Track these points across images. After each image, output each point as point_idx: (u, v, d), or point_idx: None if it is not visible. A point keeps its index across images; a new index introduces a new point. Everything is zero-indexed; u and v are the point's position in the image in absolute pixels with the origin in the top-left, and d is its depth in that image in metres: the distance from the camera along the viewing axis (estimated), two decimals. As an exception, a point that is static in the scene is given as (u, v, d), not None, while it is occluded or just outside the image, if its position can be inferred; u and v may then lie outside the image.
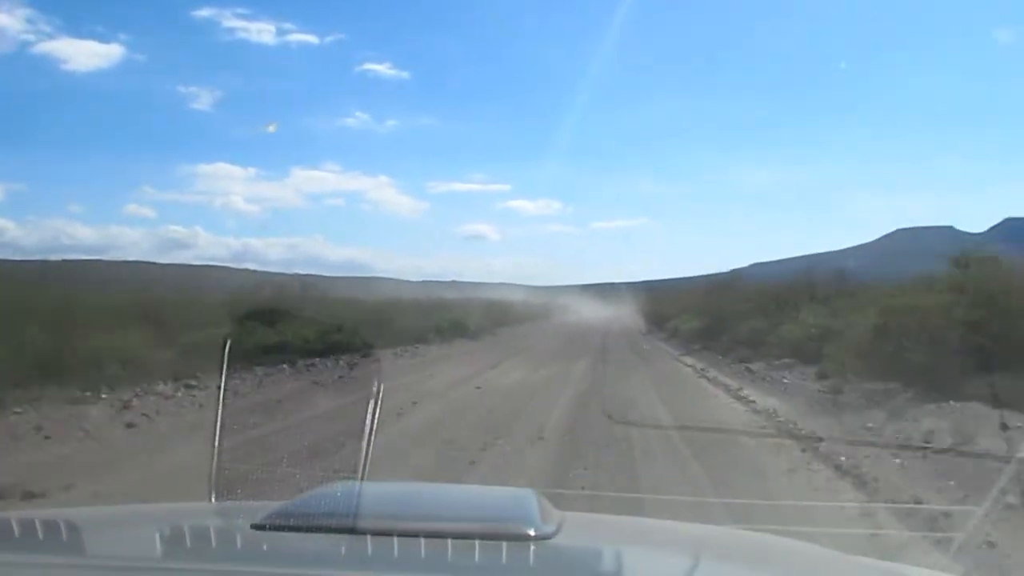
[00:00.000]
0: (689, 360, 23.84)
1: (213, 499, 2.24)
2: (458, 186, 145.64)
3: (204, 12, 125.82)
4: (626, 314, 66.92)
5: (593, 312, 72.92)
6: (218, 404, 2.68)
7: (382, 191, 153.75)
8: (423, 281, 51.92)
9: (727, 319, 26.58)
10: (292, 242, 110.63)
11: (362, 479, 2.08)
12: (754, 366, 18.82)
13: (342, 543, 1.57)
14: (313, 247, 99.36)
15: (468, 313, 39.73)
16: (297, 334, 19.29)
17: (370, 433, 2.27)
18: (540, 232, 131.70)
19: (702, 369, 20.51)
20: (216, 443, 2.35)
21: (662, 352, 28.47)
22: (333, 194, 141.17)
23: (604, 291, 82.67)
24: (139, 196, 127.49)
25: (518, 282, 77.49)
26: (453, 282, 58.16)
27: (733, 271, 31.53)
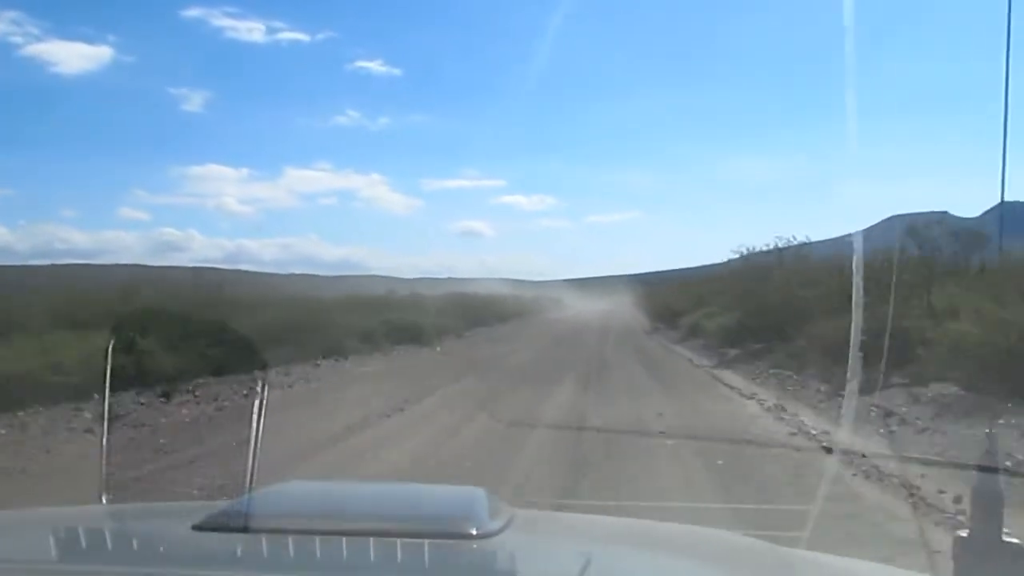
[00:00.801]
0: (736, 381, 15.26)
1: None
2: (451, 183, 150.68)
3: (193, 12, 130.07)
4: (625, 308, 61.16)
5: (589, 306, 66.85)
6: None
7: (375, 189, 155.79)
8: (417, 278, 49.47)
9: (776, 312, 18.23)
10: (286, 242, 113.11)
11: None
12: (897, 401, 9.77)
13: (284, 544, 1.52)
14: (307, 247, 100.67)
15: (436, 312, 33.50)
16: (171, 346, 13.52)
17: None
18: (535, 227, 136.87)
19: (778, 407, 11.13)
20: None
21: (685, 364, 20.01)
22: (326, 193, 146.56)
23: (600, 284, 79.66)
24: (132, 199, 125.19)
25: (514, 277, 75.18)
26: (448, 278, 55.28)
27: (770, 251, 24.23)
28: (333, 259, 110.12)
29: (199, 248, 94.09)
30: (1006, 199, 14.44)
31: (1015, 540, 1.28)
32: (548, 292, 79.08)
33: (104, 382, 2.67)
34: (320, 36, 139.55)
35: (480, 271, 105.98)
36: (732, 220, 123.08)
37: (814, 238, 21.04)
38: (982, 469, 1.43)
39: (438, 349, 24.10)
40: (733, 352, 19.72)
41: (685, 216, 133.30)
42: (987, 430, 4.39)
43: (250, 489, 1.88)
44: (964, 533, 1.33)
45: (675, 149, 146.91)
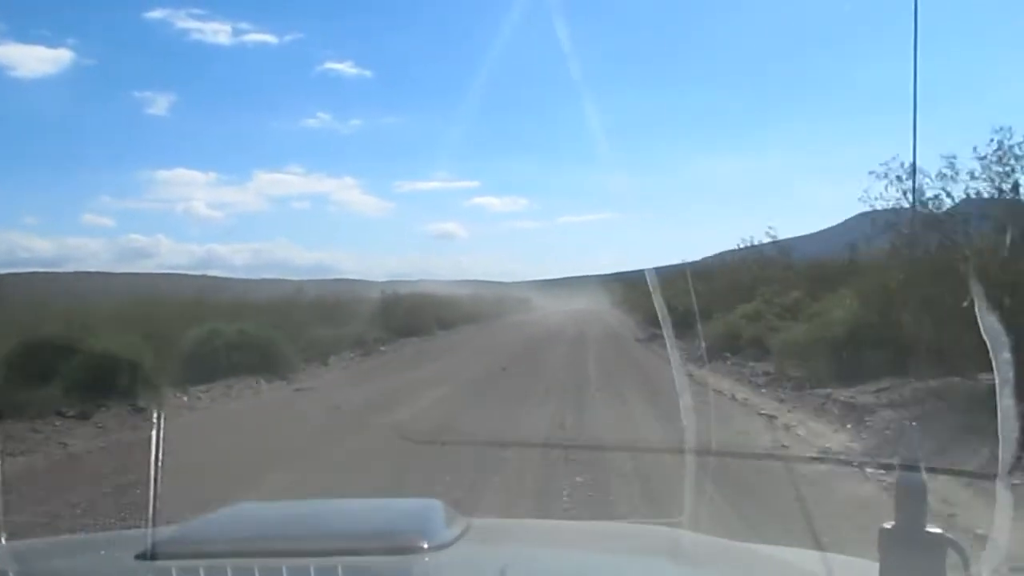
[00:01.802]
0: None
1: None
2: (424, 185, 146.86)
3: (156, 13, 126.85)
4: (603, 308, 54.89)
5: (562, 307, 58.91)
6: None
7: (348, 192, 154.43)
8: (388, 280, 44.39)
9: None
10: (258, 247, 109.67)
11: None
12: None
13: (231, 570, 1.45)
14: (279, 251, 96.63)
15: (370, 318, 26.61)
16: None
17: None
18: (508, 228, 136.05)
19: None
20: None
21: (762, 426, 10.11)
22: (298, 197, 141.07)
23: (575, 284, 78.87)
24: (97, 205, 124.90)
25: (488, 279, 74.80)
26: (420, 280, 49.13)
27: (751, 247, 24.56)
28: (305, 263, 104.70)
29: (167, 254, 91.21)
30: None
31: (938, 530, 1.29)
32: (520, 293, 73.38)
33: None
34: (288, 38, 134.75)
35: (454, 273, 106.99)
36: (705, 220, 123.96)
37: (785, 236, 21.50)
38: (904, 462, 1.40)
39: (296, 387, 14.23)
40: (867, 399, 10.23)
41: (658, 216, 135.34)
42: (911, 423, 3.81)
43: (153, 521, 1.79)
44: (889, 525, 1.32)
45: (647, 150, 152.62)
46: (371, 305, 29.82)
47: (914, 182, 12.23)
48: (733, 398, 11.58)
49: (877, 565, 1.31)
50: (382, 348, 22.84)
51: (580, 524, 2.76)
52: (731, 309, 18.14)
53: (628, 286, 56.47)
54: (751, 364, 14.61)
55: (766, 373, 13.37)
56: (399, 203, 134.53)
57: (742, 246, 25.63)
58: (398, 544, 1.52)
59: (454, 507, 1.78)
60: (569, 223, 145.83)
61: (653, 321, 31.52)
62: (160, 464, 1.89)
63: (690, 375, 14.45)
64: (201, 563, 1.46)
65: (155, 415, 2.01)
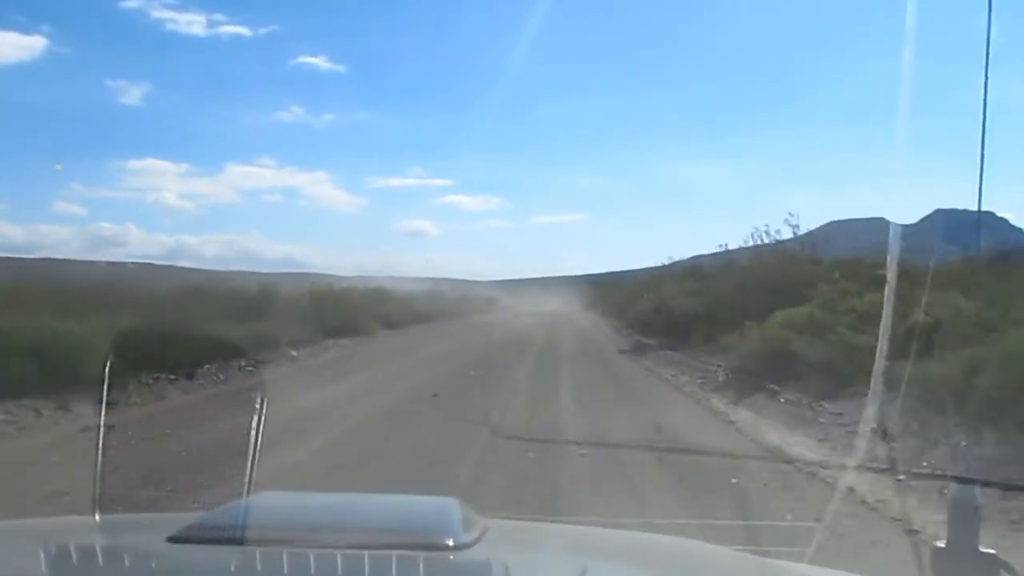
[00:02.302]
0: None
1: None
2: (397, 181, 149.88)
3: (131, 3, 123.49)
4: (576, 310, 51.38)
5: (533, 307, 53.72)
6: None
7: (320, 187, 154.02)
8: (356, 276, 41.63)
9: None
10: (228, 239, 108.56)
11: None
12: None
13: (257, 556, 1.51)
14: (250, 244, 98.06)
15: (296, 313, 21.40)
16: None
17: None
18: (480, 227, 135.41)
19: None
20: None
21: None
22: (269, 190, 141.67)
23: (547, 285, 77.14)
24: (67, 193, 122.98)
25: (458, 277, 74.17)
26: (388, 277, 46.18)
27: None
28: (276, 256, 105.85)
29: (137, 243, 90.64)
30: (942, 207, 13.96)
31: (991, 551, 1.26)
32: (489, 292, 68.74)
33: None
34: (262, 30, 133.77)
35: (425, 270, 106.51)
36: (677, 224, 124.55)
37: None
38: (959, 480, 1.53)
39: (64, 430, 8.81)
40: None
41: (630, 218, 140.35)
42: (962, 444, 4.17)
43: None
44: (942, 544, 1.31)
45: (621, 152, 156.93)
46: (303, 298, 24.61)
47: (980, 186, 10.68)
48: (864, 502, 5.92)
49: None
50: (293, 354, 17.47)
51: (600, 531, 2.49)
52: (756, 316, 13.11)
53: (601, 288, 53.09)
54: (824, 405, 9.19)
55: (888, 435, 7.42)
56: (371, 199, 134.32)
57: (756, 238, 20.79)
58: (422, 541, 1.53)
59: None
60: (542, 223, 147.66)
61: (636, 327, 26.71)
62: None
63: (732, 424, 9.18)
64: (230, 548, 1.52)
65: None
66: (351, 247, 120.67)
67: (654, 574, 1.73)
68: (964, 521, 1.27)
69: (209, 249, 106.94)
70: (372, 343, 22.52)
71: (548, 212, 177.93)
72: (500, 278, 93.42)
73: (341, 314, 24.16)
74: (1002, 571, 1.24)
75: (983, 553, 1.25)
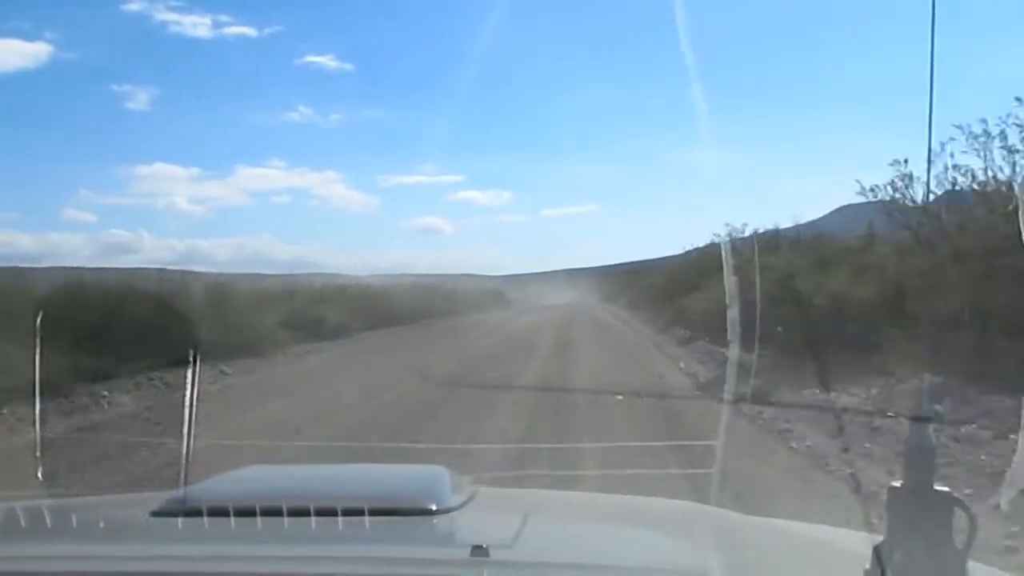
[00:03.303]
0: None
1: None
2: (408, 179, 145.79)
3: (134, 6, 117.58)
4: (594, 303, 44.22)
5: (546, 300, 48.02)
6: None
7: (330, 187, 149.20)
8: (371, 275, 39.35)
9: None
10: (240, 242, 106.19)
11: None
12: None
13: (244, 525, 1.52)
14: (262, 246, 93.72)
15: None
16: None
17: None
18: (494, 222, 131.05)
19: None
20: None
21: None
22: (280, 191, 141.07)
23: (563, 277, 77.35)
24: (77, 200, 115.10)
25: (474, 272, 73.15)
26: (401, 275, 44.47)
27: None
28: (288, 258, 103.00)
29: (150, 249, 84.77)
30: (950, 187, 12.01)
31: (945, 489, 1.30)
32: (501, 286, 62.96)
33: None
34: (268, 30, 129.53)
35: (440, 267, 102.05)
36: (686, 212, 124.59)
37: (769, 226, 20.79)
38: (915, 420, 1.39)
39: None
40: None
41: (640, 208, 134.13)
42: (922, 384, 4.37)
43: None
44: (897, 483, 1.33)
45: (628, 141, 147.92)
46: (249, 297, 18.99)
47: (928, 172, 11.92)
48: None
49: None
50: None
51: (595, 496, 2.68)
52: None
53: (615, 278, 48.82)
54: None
55: None
56: (383, 197, 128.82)
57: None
58: (404, 507, 1.55)
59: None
60: (553, 216, 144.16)
61: (695, 328, 18.11)
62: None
63: None
64: (211, 520, 1.52)
65: None
66: (365, 246, 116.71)
67: (637, 535, 1.74)
68: (919, 460, 1.29)
69: (221, 253, 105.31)
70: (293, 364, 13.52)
71: (559, 204, 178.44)
72: (515, 272, 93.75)
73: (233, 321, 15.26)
74: (956, 508, 1.28)
75: (937, 492, 1.28)
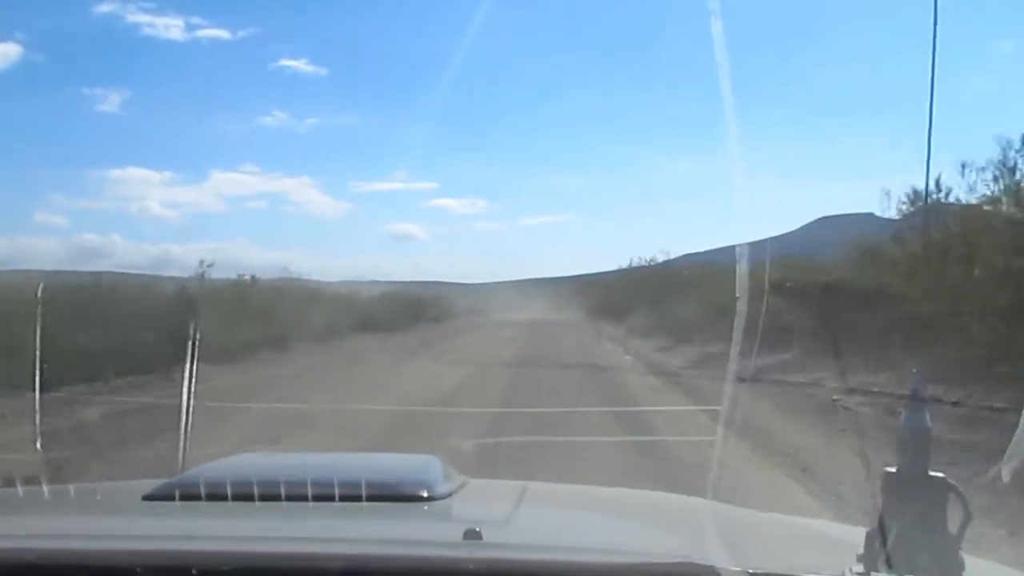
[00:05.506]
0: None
1: None
2: (382, 185, 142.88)
3: (106, 7, 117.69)
4: (578, 318, 38.72)
5: (521, 314, 44.50)
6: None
7: (305, 192, 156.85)
8: (342, 281, 38.32)
9: None
10: (214, 247, 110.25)
11: None
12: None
13: (237, 510, 1.57)
14: (236, 251, 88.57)
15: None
16: None
17: None
18: (468, 230, 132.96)
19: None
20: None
21: None
22: (254, 196, 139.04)
23: (539, 286, 77.62)
24: (49, 204, 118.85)
25: (449, 280, 76.56)
26: (372, 281, 44.45)
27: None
28: (262, 263, 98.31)
29: (123, 254, 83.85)
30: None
31: (940, 474, 1.32)
32: (475, 294, 64.50)
33: None
34: (242, 33, 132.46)
35: (413, 274, 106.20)
36: (663, 222, 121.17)
37: (747, 239, 5.74)
38: (909, 405, 1.41)
39: None
40: None
41: (617, 217, 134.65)
42: (913, 369, 3.59)
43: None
44: (892, 469, 1.35)
45: (605, 151, 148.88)
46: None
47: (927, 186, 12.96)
48: None
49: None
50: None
51: (584, 488, 2.54)
52: None
53: (598, 288, 47.81)
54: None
55: None
56: (357, 203, 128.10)
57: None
58: (395, 493, 1.57)
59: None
60: (529, 224, 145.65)
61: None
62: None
63: None
64: (203, 504, 1.56)
65: None
66: (338, 252, 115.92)
67: (629, 523, 1.76)
68: (914, 445, 1.30)
69: (195, 257, 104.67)
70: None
71: (535, 213, 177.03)
72: (492, 280, 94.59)
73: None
74: (950, 493, 1.27)
75: (932, 477, 1.29)
